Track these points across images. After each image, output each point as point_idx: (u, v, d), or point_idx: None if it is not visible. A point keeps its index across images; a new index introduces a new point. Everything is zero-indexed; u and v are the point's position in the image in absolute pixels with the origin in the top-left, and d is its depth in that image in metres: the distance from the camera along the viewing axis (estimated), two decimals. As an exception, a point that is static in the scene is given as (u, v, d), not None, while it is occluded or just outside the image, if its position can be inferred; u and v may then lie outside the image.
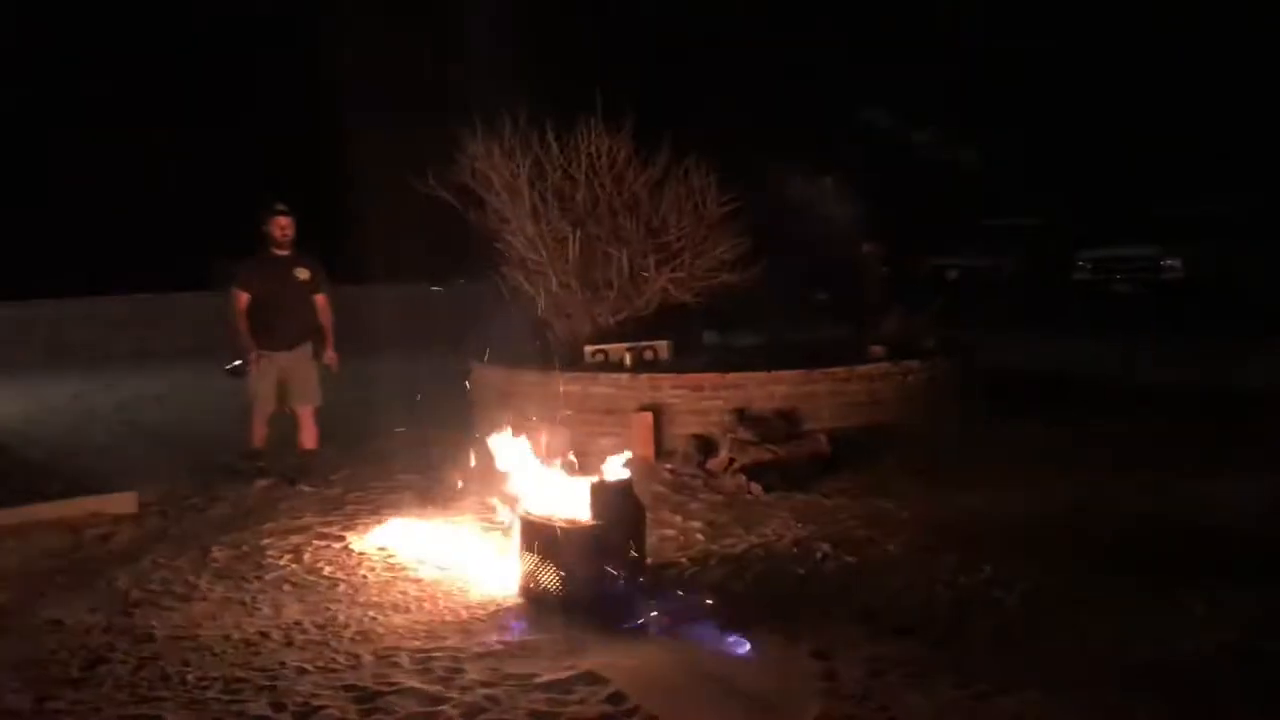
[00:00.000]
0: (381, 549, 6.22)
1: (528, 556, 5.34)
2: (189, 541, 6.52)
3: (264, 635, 4.99)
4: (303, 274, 7.90)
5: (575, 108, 9.06)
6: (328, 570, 5.92)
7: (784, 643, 4.80)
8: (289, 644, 4.90)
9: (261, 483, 7.81)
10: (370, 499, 7.36)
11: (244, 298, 7.80)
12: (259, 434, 8.03)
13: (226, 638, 4.98)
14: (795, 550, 6.06)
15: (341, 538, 6.49)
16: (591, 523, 5.21)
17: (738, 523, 6.61)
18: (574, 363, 8.86)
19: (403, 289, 14.84)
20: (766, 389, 8.05)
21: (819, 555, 5.94)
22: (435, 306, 13.89)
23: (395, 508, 6.93)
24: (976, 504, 6.84)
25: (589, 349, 8.82)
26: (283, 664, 4.67)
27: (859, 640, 4.79)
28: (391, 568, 5.92)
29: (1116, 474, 7.48)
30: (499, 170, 9.07)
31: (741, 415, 7.91)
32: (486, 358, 8.99)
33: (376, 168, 10.25)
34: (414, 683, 4.46)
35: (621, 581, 5.09)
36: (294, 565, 6.02)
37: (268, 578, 5.83)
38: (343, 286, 10.26)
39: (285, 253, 7.86)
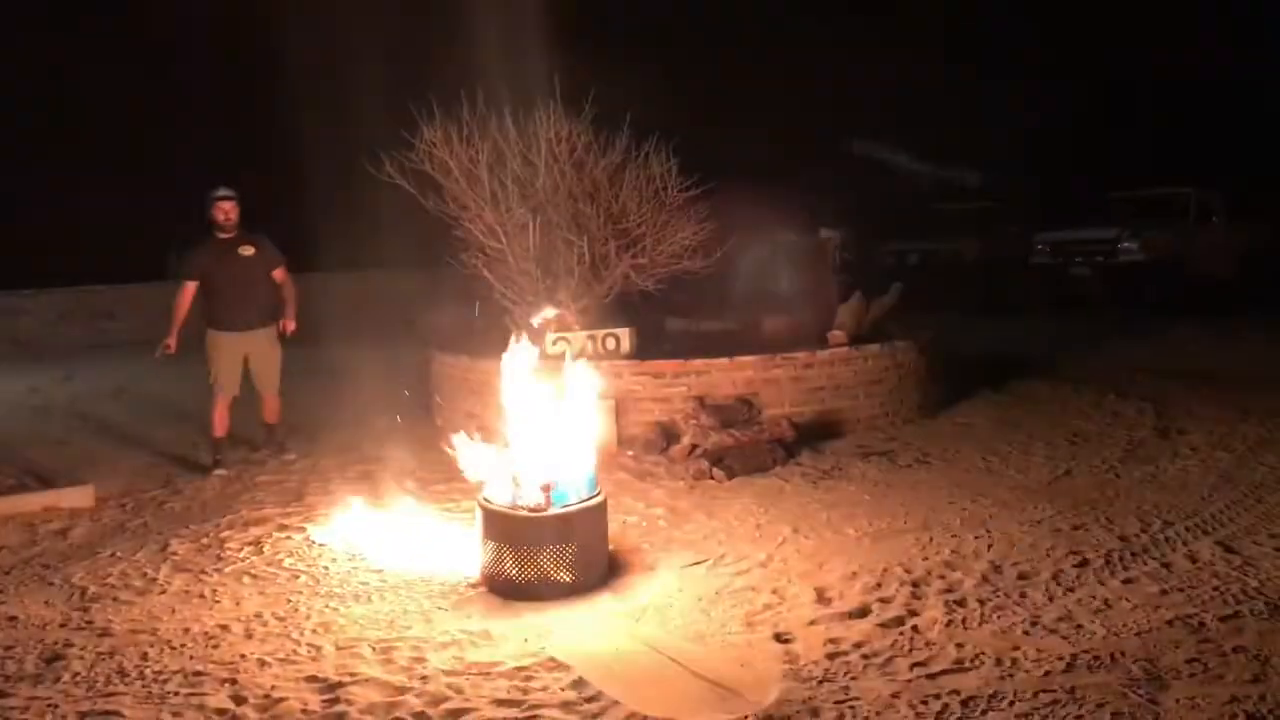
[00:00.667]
0: (343, 539, 6.19)
1: (489, 544, 5.34)
2: (147, 535, 6.47)
3: (224, 628, 4.97)
4: (247, 250, 7.98)
5: (533, 92, 9.00)
6: (288, 562, 5.89)
7: (744, 627, 4.83)
8: (249, 636, 4.87)
9: (220, 473, 7.79)
10: (330, 489, 7.31)
11: (190, 286, 7.90)
12: (221, 421, 8.06)
13: (186, 631, 4.95)
14: (756, 534, 6.09)
15: (302, 529, 6.45)
16: (551, 512, 5.22)
17: (699, 509, 6.63)
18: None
19: (359, 275, 14.79)
20: (728, 375, 8.07)
21: (779, 540, 5.97)
22: (393, 294, 13.78)
23: (356, 498, 6.89)
24: (935, 486, 6.89)
25: (550, 337, 8.78)
26: (243, 656, 4.65)
27: (818, 622, 4.84)
28: (353, 558, 5.90)
29: (1076, 458, 7.56)
30: (457, 156, 9.02)
31: (703, 402, 7.93)
32: (441, 345, 8.95)
33: (331, 154, 10.16)
34: (376, 673, 4.46)
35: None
36: (254, 557, 5.98)
37: (228, 570, 5.79)
38: (300, 274, 10.22)
39: (230, 235, 7.95)
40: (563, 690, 4.24)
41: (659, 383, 8.11)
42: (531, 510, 5.26)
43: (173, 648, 4.76)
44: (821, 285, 9.59)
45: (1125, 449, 7.70)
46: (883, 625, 4.78)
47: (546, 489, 5.25)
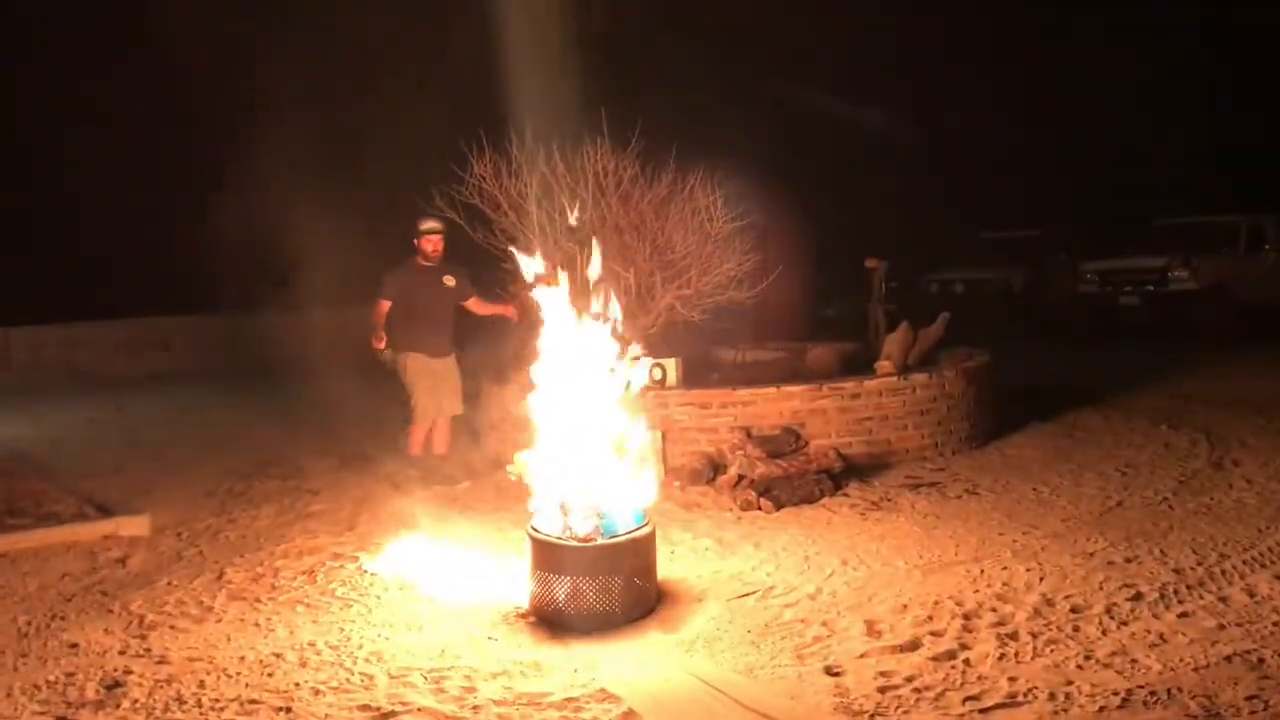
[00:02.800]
0: (394, 569, 6.25)
1: (538, 574, 5.38)
2: (203, 564, 6.56)
3: (278, 656, 5.03)
4: (449, 281, 8.43)
5: (581, 126, 9.11)
6: (340, 591, 5.95)
7: (794, 660, 4.83)
8: (303, 664, 4.93)
9: (462, 485, 8.22)
10: (381, 518, 7.39)
11: (385, 305, 8.28)
12: (420, 441, 8.58)
13: (241, 659, 5.02)
14: (805, 566, 6.08)
15: (355, 558, 6.52)
16: (600, 542, 5.25)
17: (746, 539, 6.64)
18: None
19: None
20: (775, 405, 8.08)
21: (828, 572, 5.96)
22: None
23: (408, 527, 6.96)
24: (985, 518, 6.85)
25: (645, 364, 8.83)
26: (297, 685, 4.71)
27: (868, 655, 4.82)
28: (404, 587, 5.96)
29: (1128, 489, 7.48)
30: (506, 190, 9.13)
31: (749, 432, 7.94)
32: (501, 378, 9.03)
33: (379, 188, 10.31)
34: (428, 702, 4.50)
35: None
36: (308, 586, 6.06)
37: (282, 599, 5.86)
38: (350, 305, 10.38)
39: (433, 264, 8.39)
40: (613, 723, 4.26)
41: (705, 413, 8.14)
42: (581, 541, 5.29)
43: (228, 675, 4.83)
44: (868, 314, 9.58)
45: (1178, 480, 7.61)
46: (934, 659, 4.75)
47: (599, 519, 5.28)
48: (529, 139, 9.28)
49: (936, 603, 5.41)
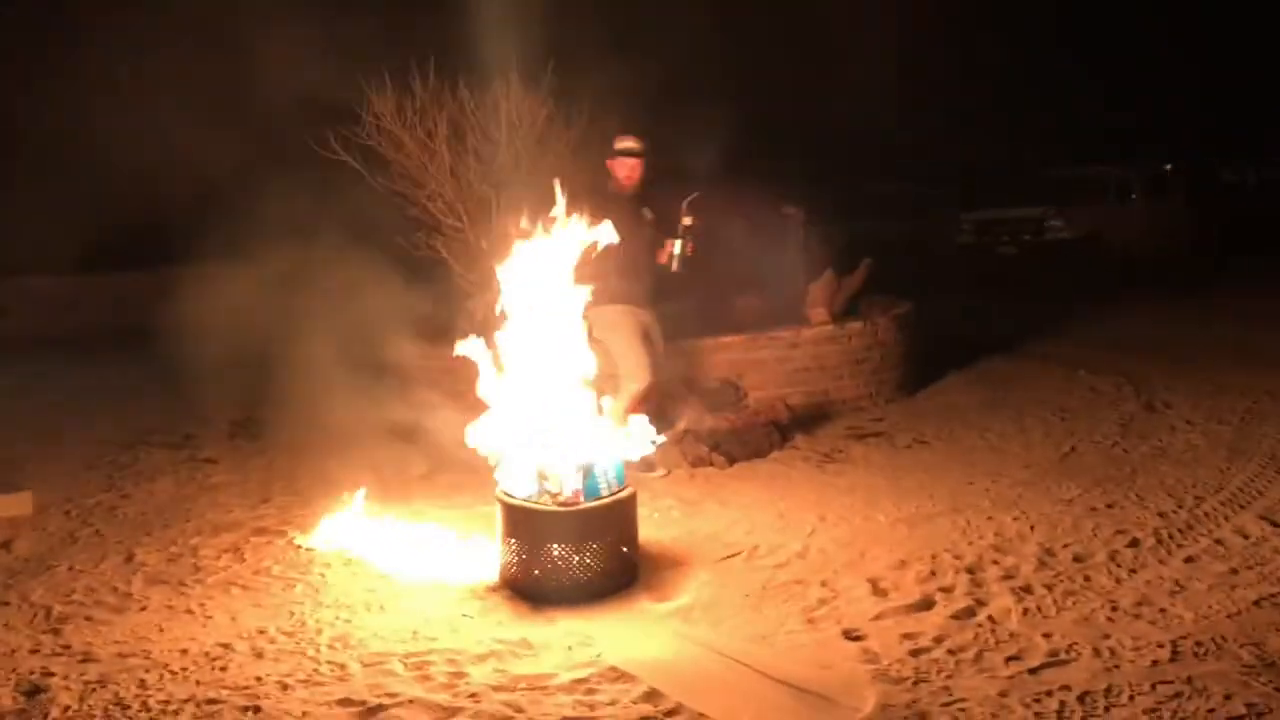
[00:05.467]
0: (331, 543, 5.65)
1: (512, 543, 4.89)
2: (105, 545, 5.84)
3: (226, 647, 4.42)
4: (649, 215, 6.76)
5: (491, 63, 8.49)
6: (277, 570, 5.34)
7: (806, 625, 4.48)
8: (258, 655, 4.35)
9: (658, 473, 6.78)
10: (299, 489, 6.74)
11: None
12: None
13: (183, 652, 4.39)
14: (782, 523, 5.74)
15: (282, 533, 5.89)
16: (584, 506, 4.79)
17: (709, 497, 6.27)
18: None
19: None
20: (713, 357, 7.70)
21: (809, 529, 5.62)
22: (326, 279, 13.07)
23: (337, 499, 6.34)
24: (946, 467, 6.62)
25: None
26: (258, 679, 4.13)
27: (884, 617, 4.51)
28: (350, 564, 5.38)
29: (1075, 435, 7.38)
30: (412, 130, 8.46)
31: (690, 385, 7.55)
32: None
33: (272, 131, 9.46)
34: (416, 692, 3.99)
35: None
36: (237, 566, 5.42)
37: (210, 581, 5.22)
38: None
39: (627, 194, 6.69)
40: (635, 704, 3.83)
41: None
42: (562, 505, 4.81)
43: (173, 672, 4.21)
44: (791, 263, 9.27)
45: (1119, 424, 7.54)
46: (955, 617, 4.47)
47: (581, 480, 4.81)
48: (432, 76, 8.61)
49: (934, 557, 5.13)
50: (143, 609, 4.90)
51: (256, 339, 9.49)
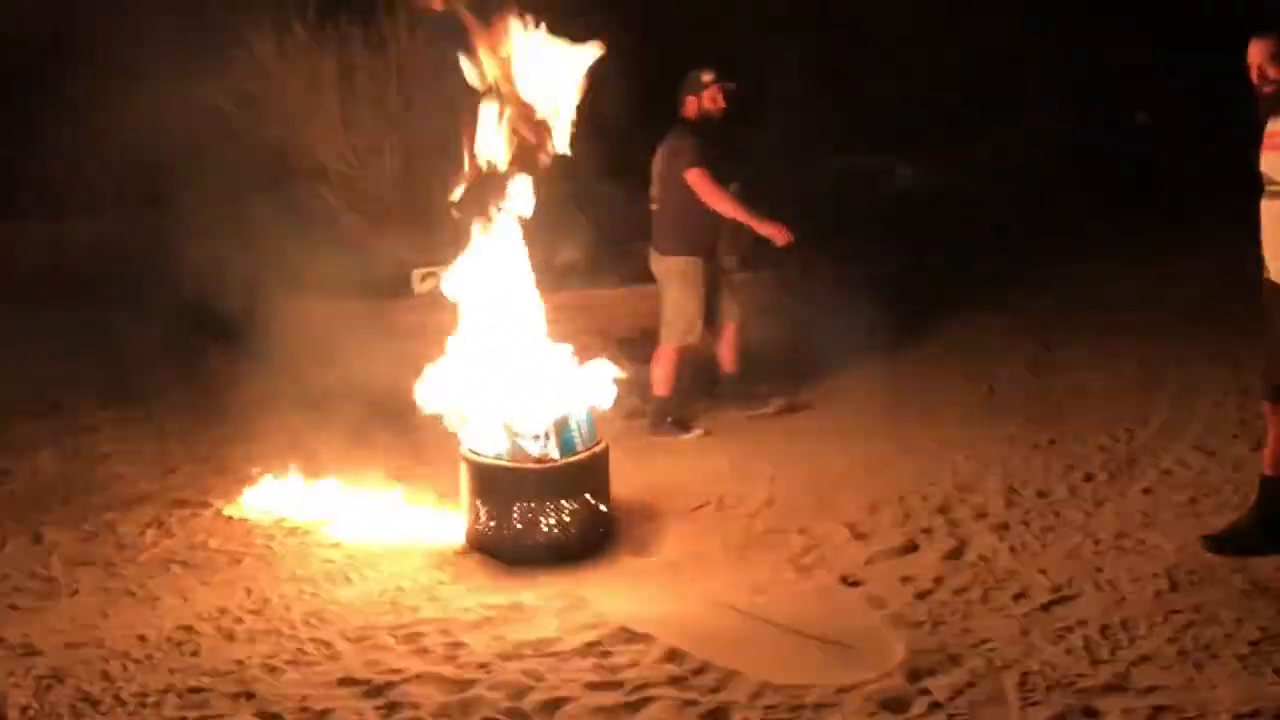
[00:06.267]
0: (263, 512, 5.27)
1: (483, 503, 4.64)
2: (3, 527, 5.27)
3: (190, 630, 4.06)
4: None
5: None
6: (215, 543, 4.94)
7: (799, 574, 4.40)
8: (229, 637, 4.00)
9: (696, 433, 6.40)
10: (203, 455, 6.27)
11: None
12: (671, 377, 6.45)
13: (141, 639, 4.01)
14: (737, 472, 5.64)
15: (205, 503, 5.45)
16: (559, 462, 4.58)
17: (655, 448, 6.12)
18: (398, 289, 7.99)
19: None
20: (630, 306, 7.52)
21: (767, 477, 5.54)
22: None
23: (249, 465, 5.92)
24: (877, 409, 6.60)
25: (417, 273, 7.95)
26: (240, 662, 3.80)
27: (874, 561, 4.47)
28: (294, 533, 5.02)
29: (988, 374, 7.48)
30: (297, 71, 7.95)
31: (610, 336, 7.36)
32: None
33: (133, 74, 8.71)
34: (419, 666, 3.74)
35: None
36: (167, 541, 4.99)
37: (143, 559, 4.79)
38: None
39: (714, 130, 6.32)
40: (658, 664, 3.68)
41: (556, 317, 7.43)
42: (538, 462, 4.58)
43: (137, 661, 3.83)
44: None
45: (1026, 364, 7.66)
46: (946, 558, 4.48)
47: (555, 435, 4.59)
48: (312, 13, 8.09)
49: (902, 499, 5.14)
50: (74, 594, 4.45)
51: (130, 295, 8.85)
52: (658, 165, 6.39)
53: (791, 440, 6.16)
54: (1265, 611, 3.82)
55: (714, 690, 3.50)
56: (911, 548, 4.59)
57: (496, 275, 4.94)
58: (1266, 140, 4.12)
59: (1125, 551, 4.41)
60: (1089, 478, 5.30)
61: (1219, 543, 4.32)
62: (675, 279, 6.33)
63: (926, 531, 4.75)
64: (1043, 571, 4.27)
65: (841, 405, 6.85)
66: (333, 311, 7.86)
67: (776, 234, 6.18)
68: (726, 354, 6.70)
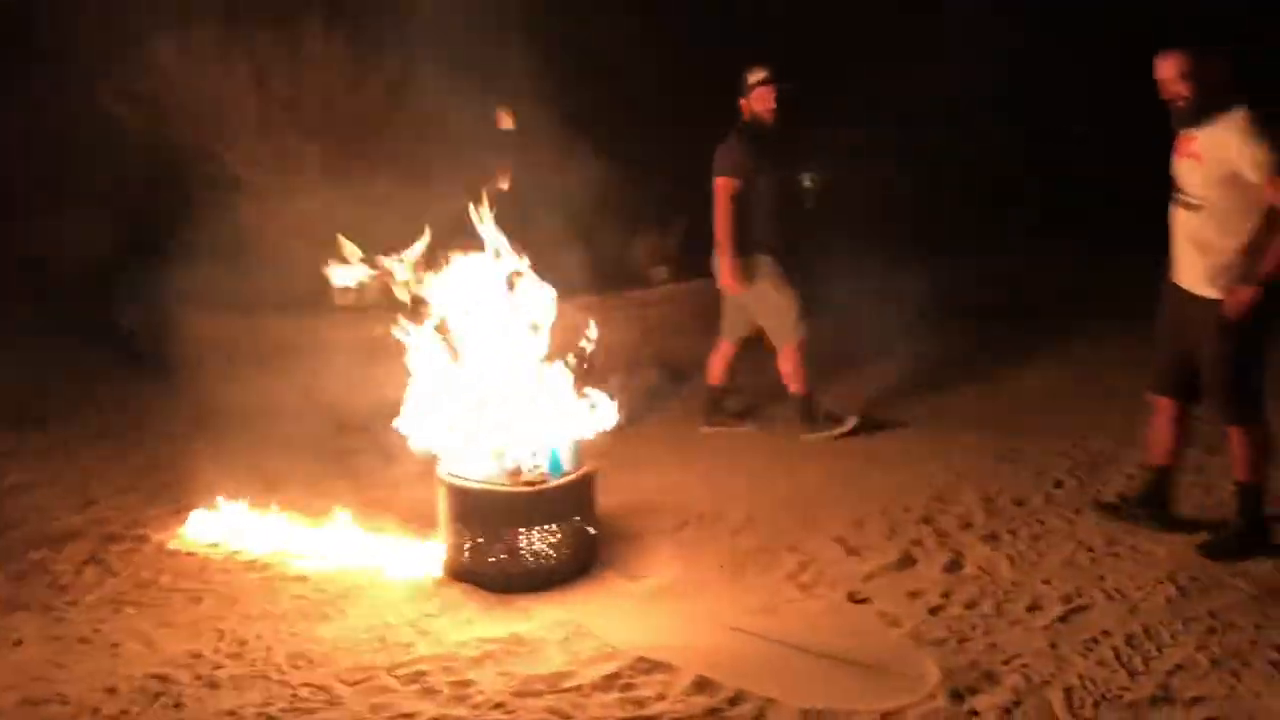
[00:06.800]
0: (215, 545, 4.90)
1: (466, 529, 4.39)
2: (-87, 568, 4.79)
3: (164, 679, 3.72)
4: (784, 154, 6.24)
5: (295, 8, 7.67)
6: (166, 581, 4.56)
7: (801, 593, 4.28)
8: (212, 686, 3.68)
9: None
10: (120, 482, 5.82)
11: (731, 184, 6.08)
12: (801, 368, 6.29)
13: (110, 691, 3.65)
14: (711, 486, 5.51)
15: (142, 536, 5.05)
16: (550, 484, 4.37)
17: (622, 466, 5.85)
18: (319, 303, 7.64)
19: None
20: (569, 317, 7.28)
21: (744, 491, 5.43)
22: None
23: (179, 494, 5.53)
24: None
25: (339, 285, 7.60)
26: (231, 713, 3.49)
27: (874, 577, 4.39)
28: (252, 567, 4.68)
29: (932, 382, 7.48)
30: (210, 77, 7.52)
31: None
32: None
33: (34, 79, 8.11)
34: (431, 709, 3.50)
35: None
36: (111, 580, 4.59)
37: (89, 600, 4.39)
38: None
39: (770, 130, 6.12)
40: (689, 696, 3.51)
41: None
42: (528, 485, 4.36)
43: (111, 717, 3.49)
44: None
45: (960, 366, 7.66)
46: (946, 571, 4.41)
47: (544, 456, 4.38)
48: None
49: (883, 512, 5.07)
50: (18, 643, 4.04)
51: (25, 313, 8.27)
52: None
53: (756, 452, 6.06)
54: (1277, 616, 3.85)
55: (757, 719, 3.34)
56: (909, 561, 4.51)
57: (482, 291, 4.69)
58: (1180, 148, 4.25)
59: (1121, 558, 4.42)
60: (1059, 484, 5.33)
61: (1211, 549, 4.39)
62: (753, 281, 6.17)
63: (918, 544, 4.68)
64: (1047, 582, 4.24)
65: (791, 416, 6.75)
66: (251, 328, 7.48)
67: (725, 276, 6.15)
68: (718, 365, 6.58)
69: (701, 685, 3.54)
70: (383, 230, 7.80)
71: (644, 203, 9.37)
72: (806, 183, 6.08)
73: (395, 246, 7.73)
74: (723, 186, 6.04)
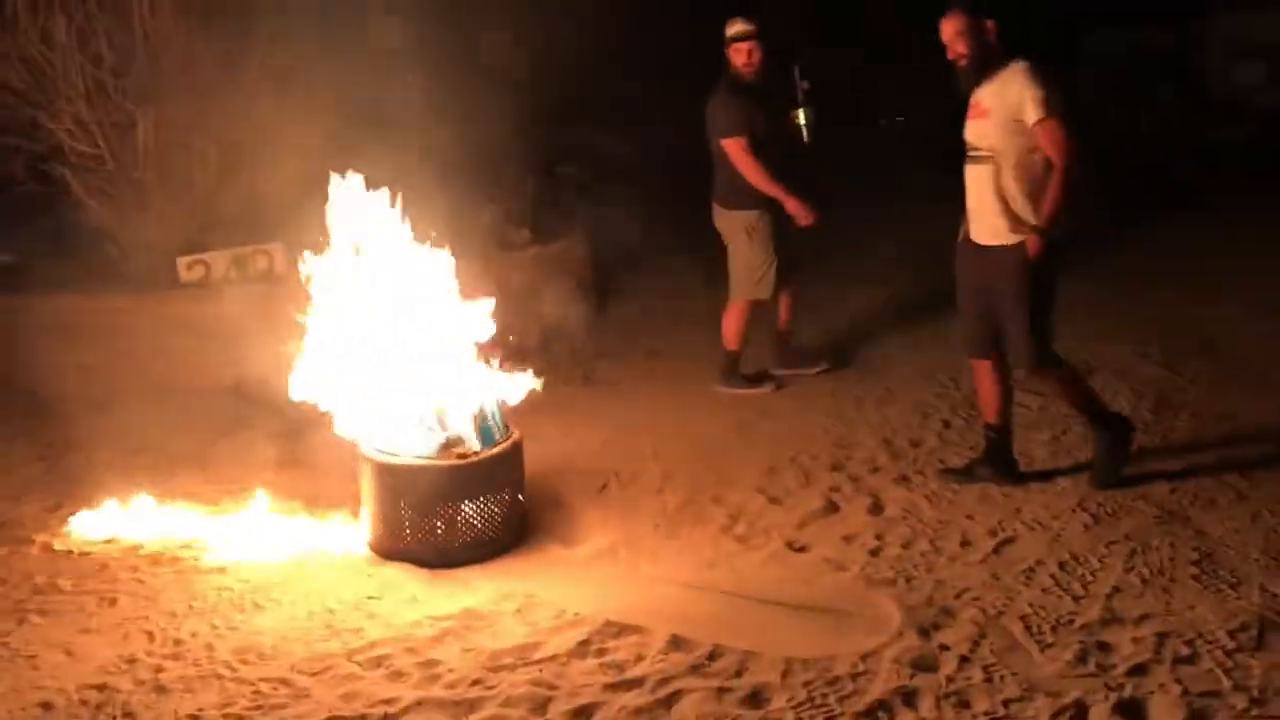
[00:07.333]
0: (110, 541, 4.59)
1: (398, 506, 4.27)
2: None
3: (103, 689, 3.48)
4: (805, 85, 6.05)
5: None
6: (67, 584, 4.24)
7: (739, 545, 4.36)
8: (161, 690, 3.47)
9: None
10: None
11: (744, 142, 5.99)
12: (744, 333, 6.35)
13: (46, 707, 3.39)
14: (615, 446, 5.52)
15: (23, 538, 4.67)
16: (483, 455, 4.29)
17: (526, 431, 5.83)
18: (159, 279, 7.21)
19: None
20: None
21: (650, 451, 5.44)
22: None
23: (44, 488, 5.16)
24: (694, 376, 6.56)
25: (183, 260, 7.17)
26: (193, 716, 3.29)
27: (806, 524, 4.51)
28: (159, 561, 4.40)
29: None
30: (25, 38, 6.92)
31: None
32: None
33: None
34: (408, 692, 3.41)
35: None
36: (4, 588, 4.23)
37: (-16, 612, 4.04)
38: None
39: (755, 82, 6.04)
40: (666, 654, 3.53)
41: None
42: (461, 457, 4.26)
43: (59, 734, 3.23)
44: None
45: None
46: (871, 514, 4.58)
47: (475, 427, 4.30)
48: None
49: (793, 459, 5.21)
50: (-78, 664, 3.69)
51: None
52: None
53: (646, 409, 6.09)
54: (1184, 534, 4.16)
55: (738, 674, 3.39)
56: (833, 508, 4.65)
57: (390, 255, 4.52)
58: (970, 110, 4.49)
59: (1030, 491, 4.66)
60: (947, 424, 5.56)
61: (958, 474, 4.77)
62: (740, 234, 6.15)
63: (836, 490, 4.82)
64: (970, 517, 4.44)
65: (667, 368, 6.81)
66: (90, 308, 7.01)
67: (801, 214, 6.07)
68: (784, 312, 6.53)
69: (676, 643, 3.56)
70: (232, 199, 7.45)
71: (493, 164, 9.18)
72: (800, 119, 6.04)
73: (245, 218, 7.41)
74: (736, 147, 6.00)
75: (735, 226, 6.17)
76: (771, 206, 6.07)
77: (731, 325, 6.29)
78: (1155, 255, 8.68)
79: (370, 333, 4.46)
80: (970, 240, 4.58)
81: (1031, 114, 4.23)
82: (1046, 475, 4.82)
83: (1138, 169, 11.34)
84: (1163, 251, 8.79)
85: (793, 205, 6.04)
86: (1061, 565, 3.97)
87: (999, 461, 4.77)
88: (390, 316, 4.46)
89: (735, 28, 6.02)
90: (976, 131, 4.44)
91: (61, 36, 6.99)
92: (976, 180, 4.47)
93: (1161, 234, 9.31)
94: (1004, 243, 4.40)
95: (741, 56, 6.02)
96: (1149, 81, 15.57)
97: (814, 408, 5.93)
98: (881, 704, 3.18)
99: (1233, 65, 15.27)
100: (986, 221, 4.46)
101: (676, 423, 5.83)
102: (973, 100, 4.45)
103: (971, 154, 4.49)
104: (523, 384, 4.56)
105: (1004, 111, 4.31)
